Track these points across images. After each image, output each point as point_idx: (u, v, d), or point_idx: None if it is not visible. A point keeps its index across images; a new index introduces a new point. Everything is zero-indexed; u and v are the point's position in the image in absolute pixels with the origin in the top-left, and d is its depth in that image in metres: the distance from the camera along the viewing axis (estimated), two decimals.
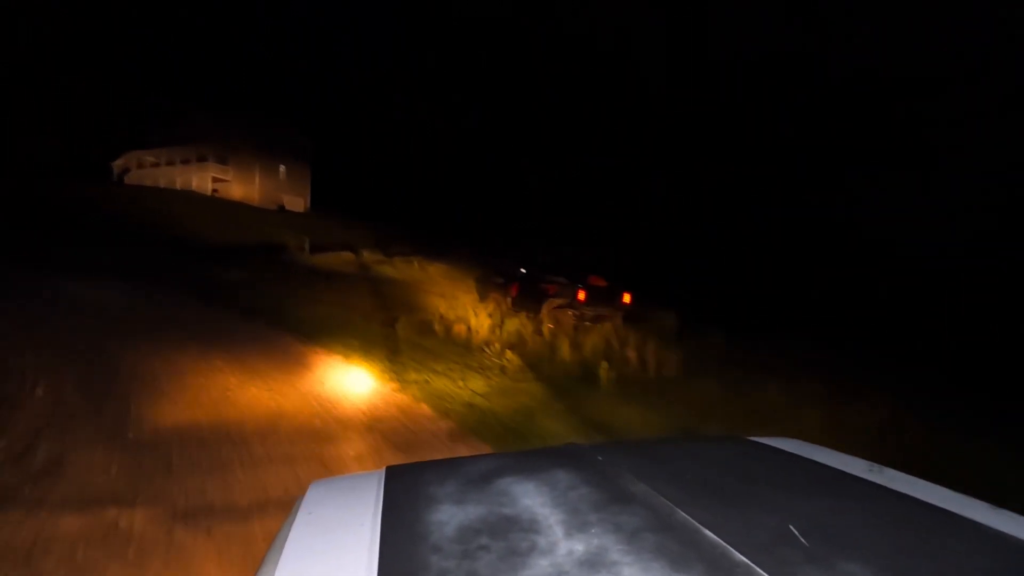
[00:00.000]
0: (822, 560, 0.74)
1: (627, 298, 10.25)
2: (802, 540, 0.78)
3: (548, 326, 9.65)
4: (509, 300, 11.17)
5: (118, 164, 41.44)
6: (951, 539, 0.84)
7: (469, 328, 9.01)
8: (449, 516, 0.90)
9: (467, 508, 0.93)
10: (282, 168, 43.38)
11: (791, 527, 0.82)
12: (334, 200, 46.75)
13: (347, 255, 19.18)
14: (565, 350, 7.79)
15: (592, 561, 0.74)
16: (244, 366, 6.40)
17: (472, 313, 9.89)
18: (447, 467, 1.16)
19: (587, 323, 9.53)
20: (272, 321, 9.30)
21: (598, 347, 7.88)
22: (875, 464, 1.18)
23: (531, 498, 0.95)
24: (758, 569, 0.70)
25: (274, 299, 11.16)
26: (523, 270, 11.06)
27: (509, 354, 7.48)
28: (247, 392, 5.52)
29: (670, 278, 17.35)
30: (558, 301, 9.89)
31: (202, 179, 39.21)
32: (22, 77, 42.66)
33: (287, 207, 42.40)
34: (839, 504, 0.96)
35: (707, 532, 0.80)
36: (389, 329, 9.22)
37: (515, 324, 9.23)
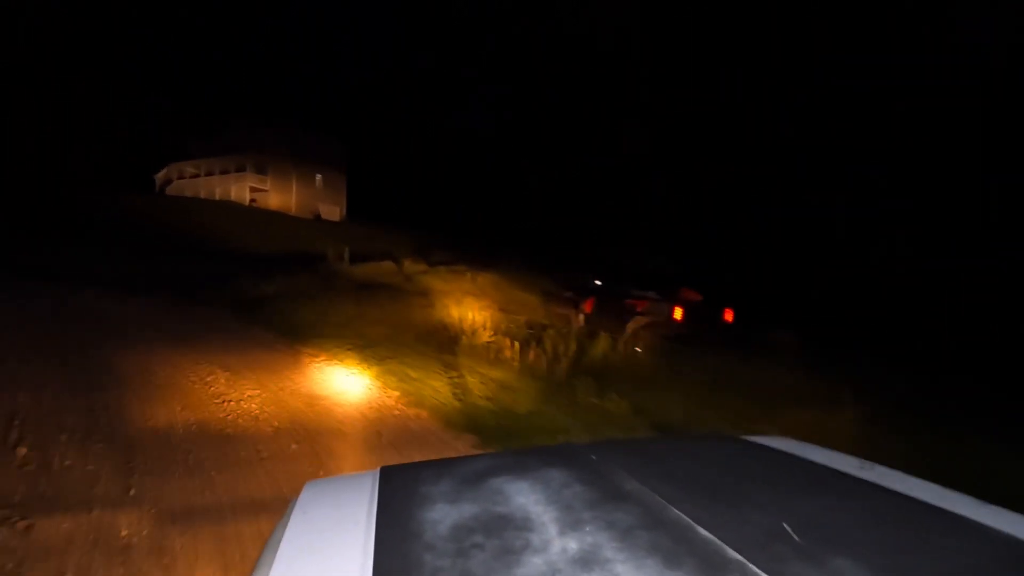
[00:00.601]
0: (814, 557, 0.74)
1: (729, 315, 8.54)
2: (795, 537, 0.78)
3: (636, 349, 8.06)
4: (581, 317, 9.62)
5: (160, 175, 41.92)
6: (942, 535, 0.84)
7: (546, 352, 7.49)
8: (443, 515, 0.89)
9: (461, 507, 0.92)
10: (318, 177, 43.13)
11: (784, 524, 0.82)
12: (369, 208, 46.33)
13: (388, 265, 17.98)
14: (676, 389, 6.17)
15: (586, 559, 0.74)
16: (281, 407, 5.06)
17: (548, 335, 8.36)
18: (441, 467, 1.15)
19: (685, 346, 7.88)
20: (312, 343, 8.01)
21: (723, 382, 6.23)
22: (867, 461, 1.16)
23: (525, 496, 0.95)
24: (751, 566, 0.70)
25: (315, 315, 9.92)
26: (597, 282, 9.47)
27: (614, 400, 5.90)
28: (287, 465, 4.13)
29: (767, 290, 15.40)
30: (645, 319, 8.28)
31: (240, 189, 39.20)
32: (70, 92, 43.76)
33: (323, 216, 42.08)
34: (831, 501, 0.96)
35: (700, 529, 0.80)
36: (449, 355, 7.79)
37: (601, 347, 7.66)
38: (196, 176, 40.90)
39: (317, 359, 7.24)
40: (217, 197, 38.66)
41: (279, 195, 40.28)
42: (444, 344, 8.45)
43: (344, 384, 6.25)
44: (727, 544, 0.76)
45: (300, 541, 0.88)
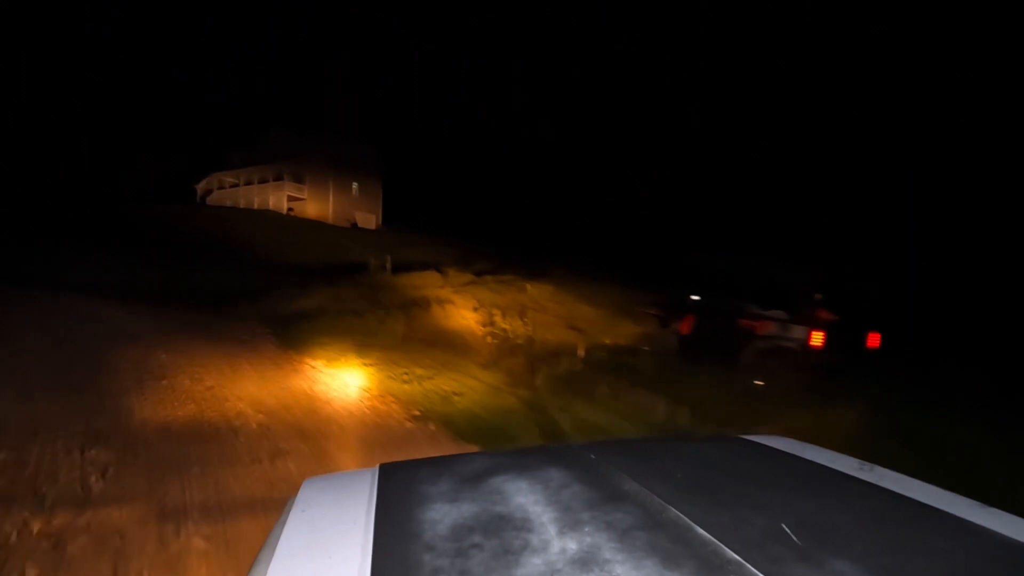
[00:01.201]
0: (813, 558, 0.73)
1: (874, 340, 6.82)
2: (793, 538, 0.78)
3: (756, 383, 6.44)
4: (674, 339, 8.04)
5: (201, 186, 42.27)
6: (941, 536, 0.84)
7: (644, 386, 5.97)
8: (442, 514, 0.89)
9: (460, 506, 0.91)
10: (354, 185, 42.74)
11: (782, 525, 0.81)
12: (404, 215, 45.67)
13: (432, 275, 16.76)
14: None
15: (584, 559, 0.73)
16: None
17: (640, 363, 6.84)
18: (440, 465, 1.14)
19: (825, 380, 6.23)
20: (364, 373, 6.70)
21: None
22: (866, 462, 1.16)
23: (524, 496, 0.94)
24: (749, 566, 0.70)
25: (362, 334, 8.67)
26: (694, 296, 7.88)
27: None
28: None
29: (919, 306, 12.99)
30: (769, 345, 6.66)
31: (278, 198, 39.07)
32: (116, 106, 44.81)
33: (359, 224, 41.57)
34: (829, 502, 0.96)
35: (698, 529, 0.79)
36: (526, 390, 6.36)
37: (708, 379, 6.09)
38: (235, 186, 41.03)
39: (370, 395, 5.91)
40: (256, 206, 38.62)
41: (316, 204, 40.01)
42: (517, 375, 7.03)
43: (407, 434, 4.87)
44: (726, 545, 0.75)
45: (298, 539, 0.87)
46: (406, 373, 6.79)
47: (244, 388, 5.83)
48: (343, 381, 6.48)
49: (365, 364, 7.21)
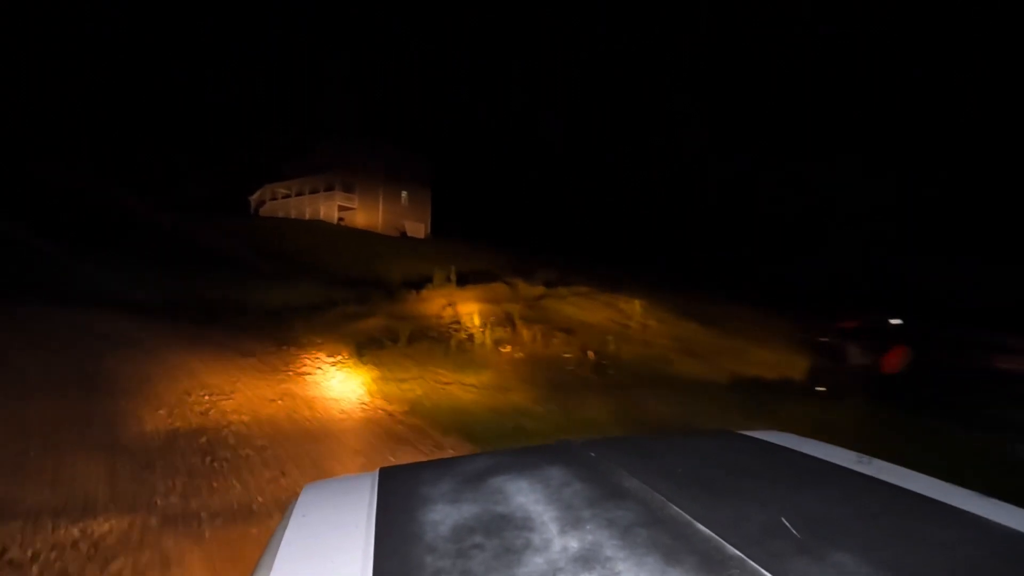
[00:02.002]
0: (813, 551, 0.73)
1: None
2: (793, 532, 0.78)
3: None
4: (865, 377, 5.99)
5: (254, 197, 42.53)
6: (941, 528, 0.84)
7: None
8: (443, 516, 0.88)
9: (461, 507, 0.91)
10: (404, 193, 42.05)
11: (783, 519, 0.81)
12: (451, 224, 44.60)
13: (500, 287, 15.12)
14: None
15: (586, 557, 0.73)
16: None
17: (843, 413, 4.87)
18: (441, 467, 1.14)
19: None
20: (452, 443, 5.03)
21: None
22: (864, 455, 1.16)
23: (525, 496, 0.94)
24: (750, 561, 0.70)
25: (450, 373, 7.03)
26: (894, 321, 5.81)
27: None
28: None
29: None
30: None
31: (329, 208, 38.72)
32: (174, 121, 45.92)
33: (408, 233, 40.76)
34: (829, 495, 0.96)
35: (699, 526, 0.79)
36: None
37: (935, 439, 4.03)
38: (287, 196, 41.03)
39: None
40: (307, 216, 38.40)
41: (366, 213, 39.46)
42: (659, 424, 5.17)
43: None
44: (726, 540, 0.75)
45: (299, 543, 0.87)
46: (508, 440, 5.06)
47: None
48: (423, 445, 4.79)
49: (470, 441, 5.53)
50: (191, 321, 9.66)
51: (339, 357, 7.84)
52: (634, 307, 12.90)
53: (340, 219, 38.38)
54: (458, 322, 9.94)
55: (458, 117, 66.95)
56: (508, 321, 9.89)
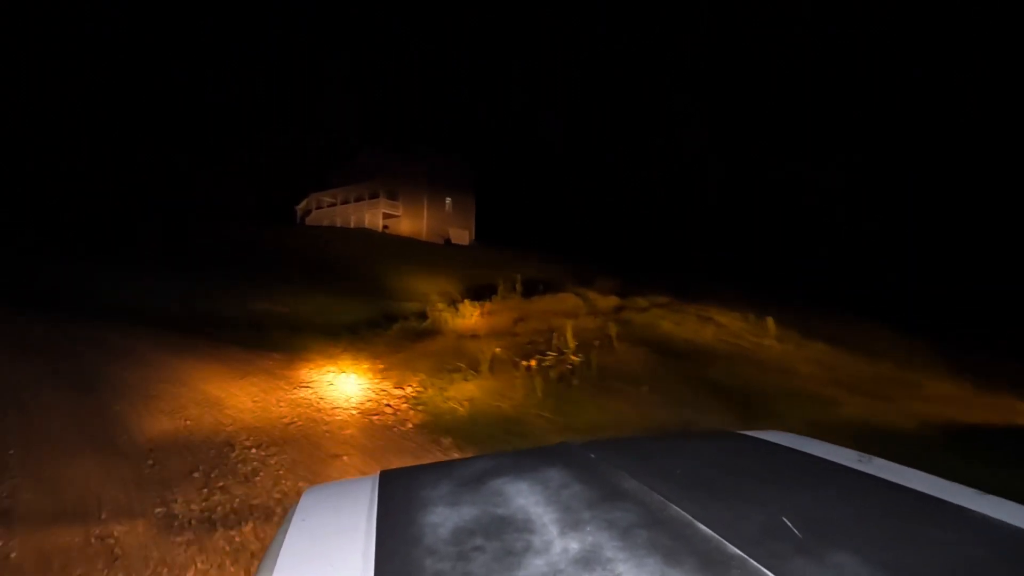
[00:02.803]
0: (814, 551, 0.73)
1: None
2: (795, 532, 0.77)
3: None
4: None
5: (301, 206, 42.47)
6: (942, 527, 0.83)
7: None
8: (443, 518, 0.88)
9: (461, 510, 0.91)
10: (448, 200, 41.06)
11: (784, 519, 0.81)
12: (492, 230, 43.34)
13: (570, 298, 13.46)
14: None
15: (587, 559, 0.73)
16: None
17: None
18: (440, 470, 1.14)
19: None
20: None
21: None
22: (864, 454, 1.15)
23: (525, 498, 0.93)
24: (751, 561, 0.69)
25: (565, 416, 5.43)
26: None
27: None
28: None
29: None
30: None
31: (374, 216, 38.12)
32: (223, 133, 46.62)
33: (453, 240, 39.71)
34: (829, 495, 0.95)
35: (700, 526, 0.79)
36: None
37: None
38: (333, 205, 40.75)
39: None
40: (352, 225, 37.90)
41: (410, 220, 38.67)
42: None
43: None
44: (727, 540, 0.74)
45: (300, 548, 0.87)
46: None
47: None
48: None
49: None
50: (240, 344, 8.42)
51: (410, 390, 6.37)
52: (734, 322, 10.99)
53: (384, 227, 37.70)
54: (540, 341, 8.34)
55: (496, 120, 65.91)
56: (604, 340, 8.22)
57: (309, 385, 6.47)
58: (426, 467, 1.19)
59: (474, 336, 9.12)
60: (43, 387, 5.69)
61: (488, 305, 11.90)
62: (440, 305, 11.39)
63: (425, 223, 39.14)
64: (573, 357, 7.02)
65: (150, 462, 4.15)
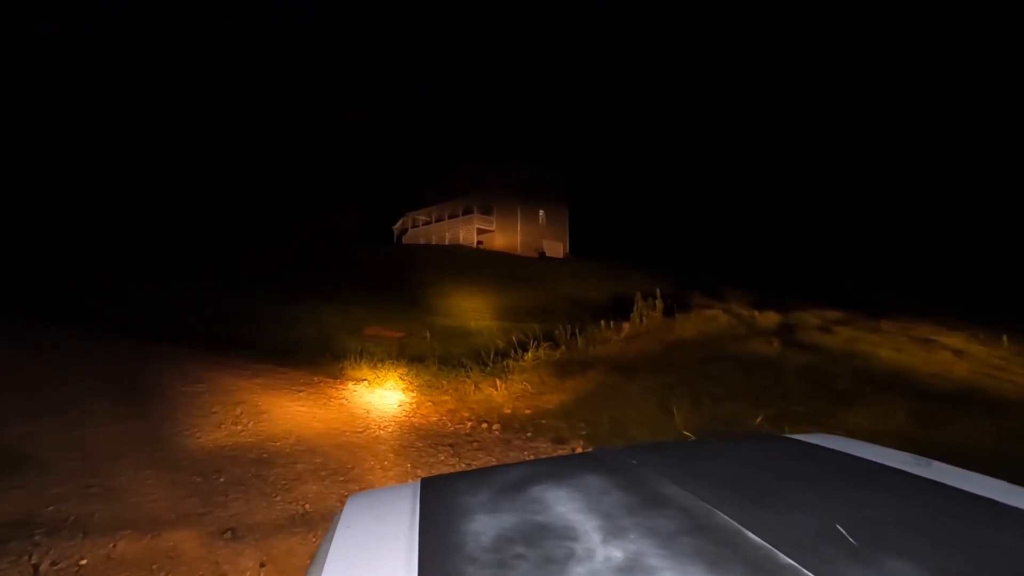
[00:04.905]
0: (870, 560, 0.69)
1: None
2: (849, 539, 0.74)
3: None
4: None
5: (397, 226, 43.21)
6: (1005, 533, 0.78)
7: None
8: (484, 526, 0.87)
9: (501, 517, 0.90)
10: (541, 213, 39.76)
11: (836, 525, 0.77)
12: (585, 242, 41.35)
13: (720, 316, 11.22)
14: None
15: (630, 567, 0.70)
16: None
17: None
18: (480, 477, 1.13)
19: None
20: None
21: None
22: (922, 457, 1.09)
23: (565, 505, 0.92)
24: (804, 570, 0.66)
25: None
26: None
27: None
28: None
29: None
30: None
31: (468, 231, 37.69)
32: (327, 159, 49.00)
33: (547, 253, 38.26)
34: (885, 500, 0.91)
35: (748, 533, 0.76)
36: None
37: None
38: (427, 223, 41.01)
39: None
40: (447, 241, 37.75)
41: (504, 234, 37.78)
42: None
43: None
44: (777, 548, 0.71)
45: (345, 555, 0.87)
46: None
47: None
48: None
49: None
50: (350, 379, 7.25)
51: (579, 449, 4.69)
52: (974, 347, 8.19)
53: (479, 242, 37.13)
54: (729, 383, 6.33)
55: (590, 129, 64.03)
56: (816, 375, 6.04)
57: (450, 445, 5.01)
58: (466, 474, 1.17)
59: (630, 369, 7.30)
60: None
61: (626, 327, 10.03)
62: (568, 327, 9.70)
63: (519, 237, 38.10)
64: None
65: None
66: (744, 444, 1.33)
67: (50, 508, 3.44)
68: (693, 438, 4.74)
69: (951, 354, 7.51)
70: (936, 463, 1.07)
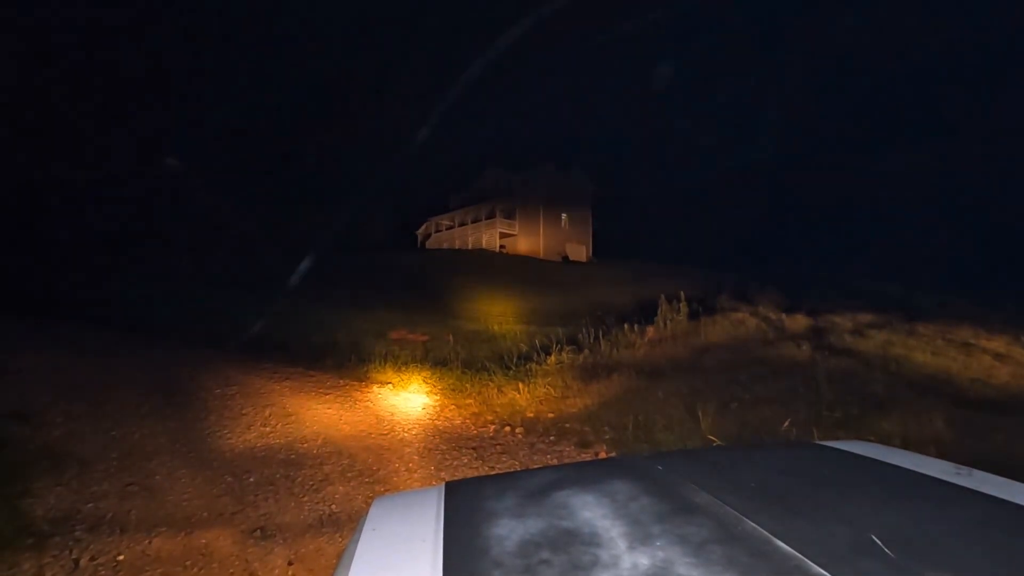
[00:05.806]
0: (907, 571, 0.67)
1: None
2: (885, 550, 0.71)
3: None
4: None
5: (421, 231, 43.65)
6: None
7: None
8: (509, 531, 0.86)
9: (527, 522, 0.89)
10: (564, 216, 39.68)
11: (872, 536, 0.74)
12: (607, 244, 41.02)
13: (748, 319, 11.01)
14: None
15: (658, 575, 0.69)
16: None
17: None
18: (505, 481, 1.13)
19: None
20: None
21: None
22: (962, 467, 1.04)
23: (591, 511, 0.91)
24: None
25: None
26: None
27: None
28: None
29: None
30: None
31: (491, 236, 37.84)
32: (352, 167, 49.76)
33: (571, 257, 38.13)
34: (922, 510, 0.88)
35: (779, 543, 0.74)
36: None
37: None
38: (451, 228, 41.34)
39: None
40: (470, 246, 37.93)
41: (527, 239, 37.78)
42: None
43: None
44: (810, 559, 0.68)
45: (371, 558, 0.87)
46: None
47: None
48: None
49: None
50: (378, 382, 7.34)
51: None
52: None
53: (502, 247, 37.24)
54: (756, 388, 6.19)
55: (610, 134, 63.73)
56: (853, 380, 5.86)
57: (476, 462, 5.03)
58: (491, 478, 1.17)
59: (655, 373, 7.22)
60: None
61: (651, 330, 9.91)
62: (592, 331, 9.64)
63: (542, 240, 38.10)
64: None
65: None
66: (774, 451, 1.30)
67: (90, 505, 3.58)
68: (720, 444, 4.65)
69: (992, 358, 7.19)
70: (977, 472, 1.04)
